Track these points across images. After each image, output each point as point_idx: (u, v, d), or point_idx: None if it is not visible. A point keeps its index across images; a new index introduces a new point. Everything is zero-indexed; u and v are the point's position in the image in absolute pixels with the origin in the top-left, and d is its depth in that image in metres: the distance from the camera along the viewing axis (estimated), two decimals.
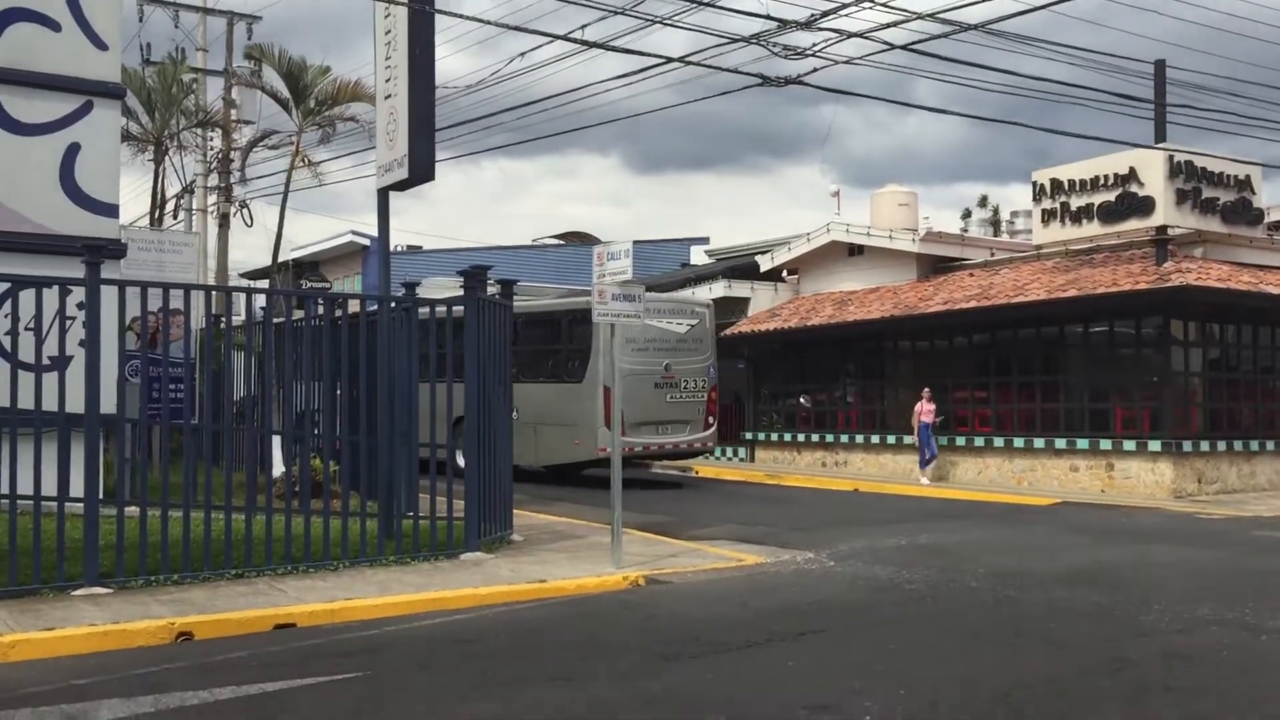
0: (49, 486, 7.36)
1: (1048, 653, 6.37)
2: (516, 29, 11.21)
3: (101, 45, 10.55)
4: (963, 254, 20.43)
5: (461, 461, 9.59)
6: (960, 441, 17.99)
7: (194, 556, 7.87)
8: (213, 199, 22.18)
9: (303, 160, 21.75)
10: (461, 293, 9.32)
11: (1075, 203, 16.92)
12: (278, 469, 9.69)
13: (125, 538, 7.59)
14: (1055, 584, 8.45)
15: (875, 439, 19.60)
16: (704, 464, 20.67)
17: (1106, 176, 16.45)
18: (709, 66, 11.59)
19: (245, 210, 22.28)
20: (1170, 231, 16.17)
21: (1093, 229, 16.83)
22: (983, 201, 43.62)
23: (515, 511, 10.45)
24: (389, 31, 9.91)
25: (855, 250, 21.30)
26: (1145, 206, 16.07)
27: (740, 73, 11.65)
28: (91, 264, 7.54)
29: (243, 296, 9.77)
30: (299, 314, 11.88)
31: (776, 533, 11.39)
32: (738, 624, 7.06)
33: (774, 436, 21.61)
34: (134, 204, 52.20)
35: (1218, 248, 16.96)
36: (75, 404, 7.51)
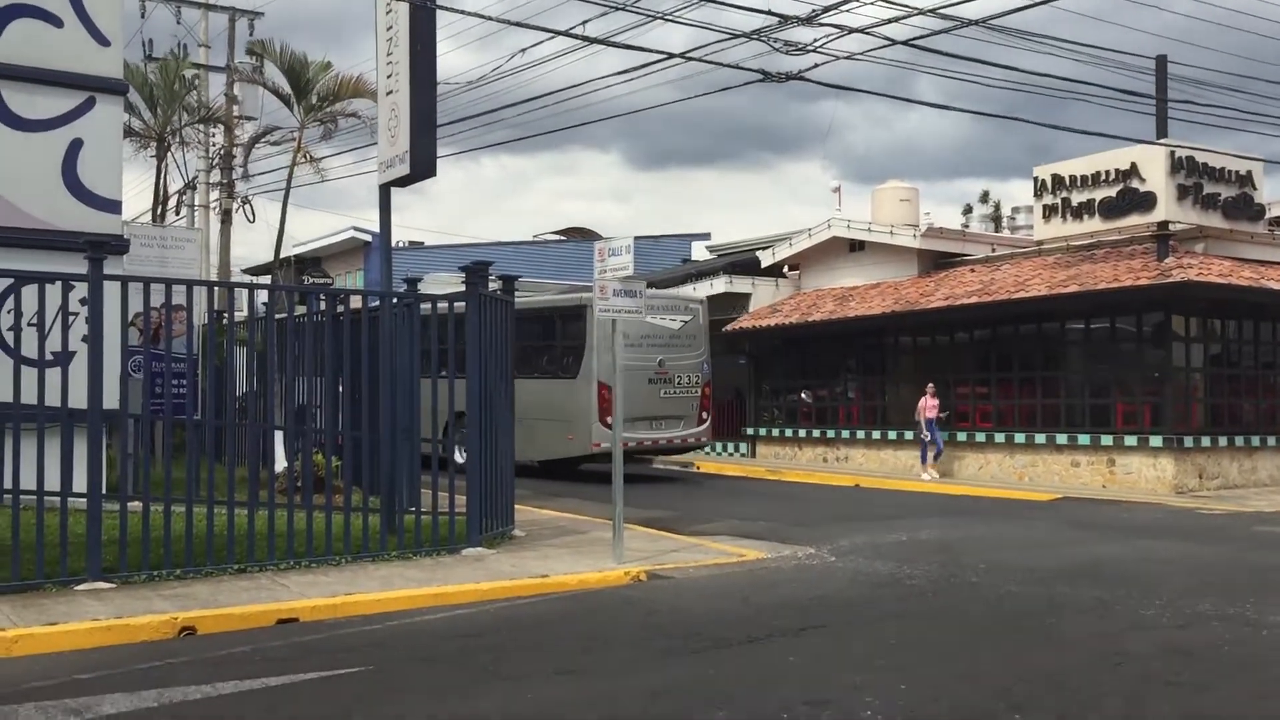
0: (52, 482, 7.36)
1: (1049, 648, 6.37)
2: (518, 25, 11.22)
3: (103, 41, 10.54)
4: (964, 250, 20.42)
5: (459, 457, 9.60)
6: (961, 437, 17.99)
7: (197, 552, 7.89)
8: (215, 195, 22.17)
9: (304, 156, 21.73)
10: (463, 289, 9.34)
11: (1077, 198, 16.89)
12: (280, 464, 9.70)
13: (128, 533, 7.59)
14: (1056, 579, 8.45)
15: (876, 434, 19.60)
16: (705, 459, 20.70)
17: (1108, 172, 16.43)
18: (710, 62, 11.58)
19: (247, 206, 22.26)
20: (1171, 227, 16.15)
21: (1094, 224, 16.80)
22: (984, 197, 43.64)
23: (517, 507, 10.44)
24: (390, 28, 9.91)
25: (856, 246, 21.28)
26: (1147, 202, 16.05)
27: (741, 68, 11.63)
28: (94, 260, 7.54)
29: (245, 292, 9.74)
30: (301, 310, 11.89)
31: (778, 528, 11.39)
32: (739, 619, 7.06)
33: (775, 432, 21.61)
34: (136, 200, 52.17)
35: (1219, 243, 16.95)
36: (78, 400, 7.52)
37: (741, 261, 23.13)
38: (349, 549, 8.59)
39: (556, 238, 34.54)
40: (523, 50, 38.62)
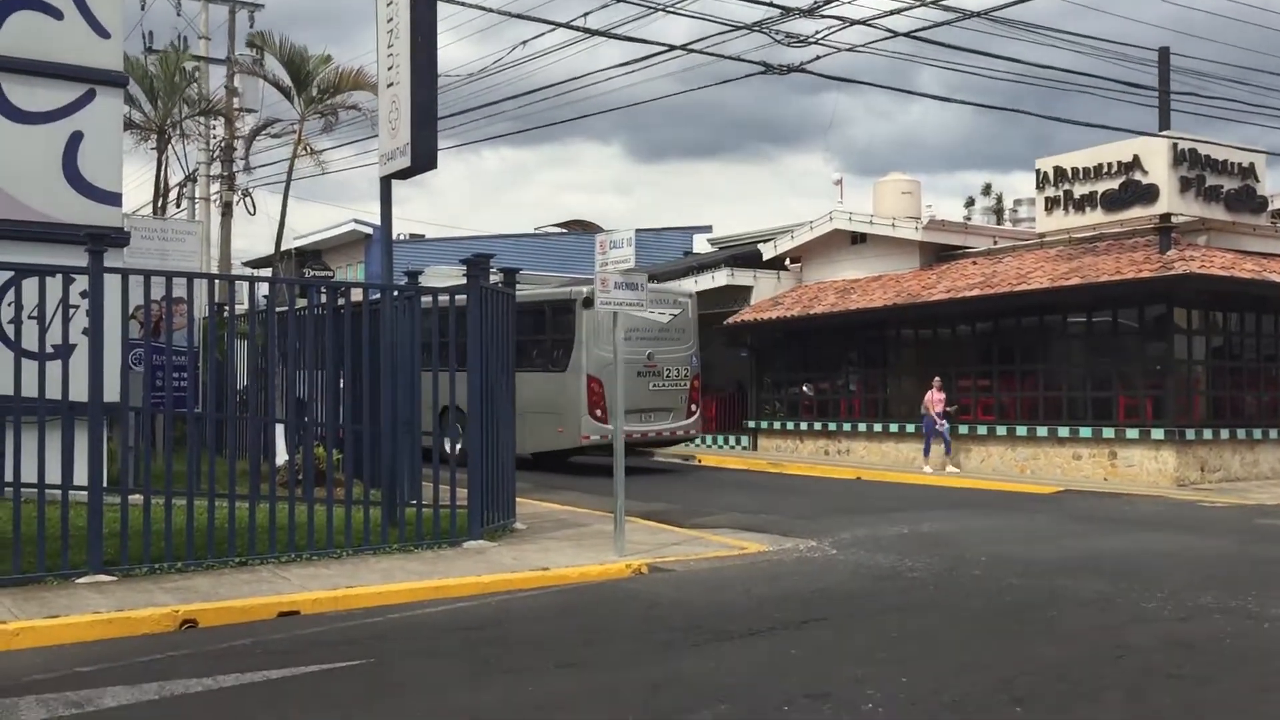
0: (53, 475, 7.36)
1: (1050, 640, 6.36)
2: (519, 17, 11.17)
3: (103, 33, 10.50)
4: (966, 242, 20.38)
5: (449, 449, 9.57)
6: (963, 430, 17.97)
7: (198, 544, 7.89)
8: (215, 188, 22.16)
9: (305, 149, 21.65)
10: (464, 281, 9.32)
11: (1079, 191, 16.86)
12: (281, 457, 9.69)
13: (129, 526, 7.59)
14: (1058, 572, 8.44)
15: (878, 427, 19.59)
16: (706, 452, 20.70)
17: (1110, 164, 16.39)
18: (711, 54, 11.55)
19: (248, 199, 22.24)
20: (1174, 219, 16.12)
21: (1096, 217, 16.76)
22: (986, 189, 43.44)
23: (518, 500, 10.45)
24: (391, 20, 9.87)
25: (858, 238, 21.24)
26: (1149, 194, 16.01)
27: (742, 60, 11.61)
28: (94, 252, 7.52)
29: (245, 285, 9.72)
30: (302, 302, 11.88)
31: (779, 521, 11.38)
32: (740, 612, 7.05)
33: (777, 425, 21.60)
34: (137, 193, 52.23)
35: (1221, 236, 16.90)
36: (79, 392, 7.50)
37: (743, 254, 23.11)
38: (350, 542, 8.59)
39: (558, 230, 34.46)
40: (524, 42, 38.53)
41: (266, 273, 25.29)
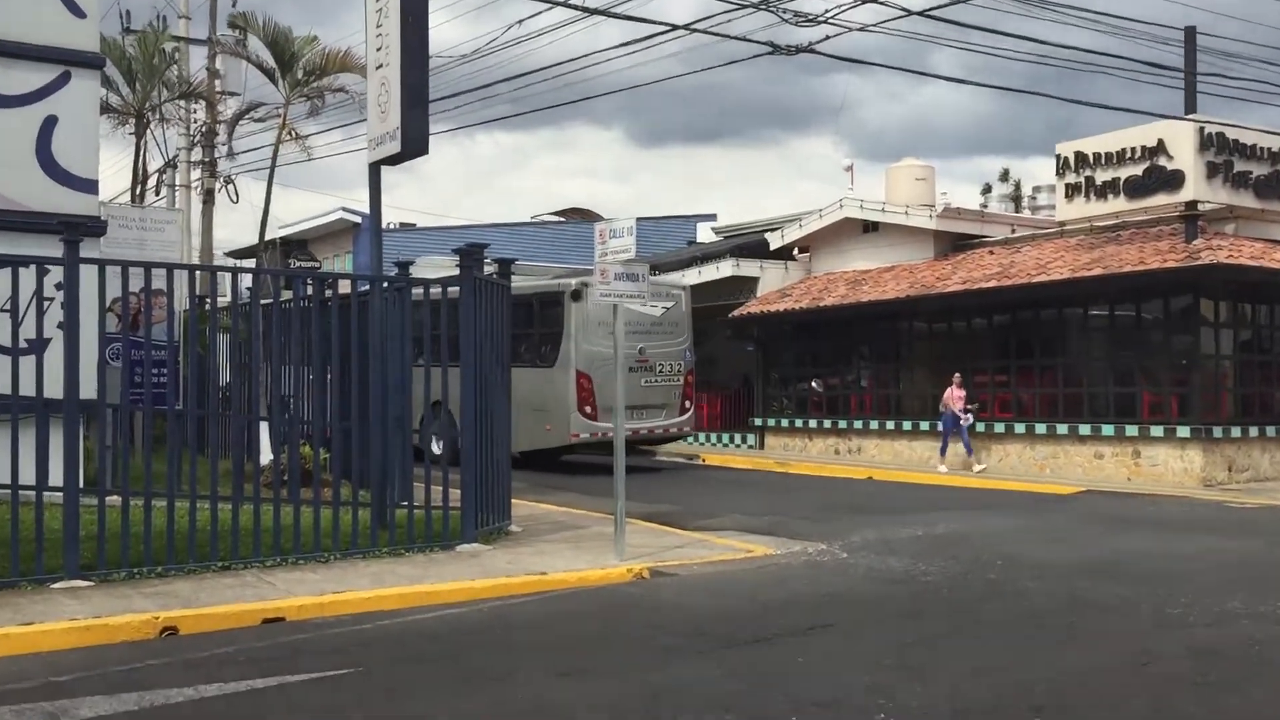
0: (27, 475, 7.25)
1: (1069, 647, 6.23)
2: None
3: (79, 13, 10.29)
4: (982, 231, 20.07)
5: (436, 448, 9.33)
6: (980, 427, 17.60)
7: (179, 548, 7.73)
8: (196, 174, 21.78)
9: (290, 133, 21.24)
10: (457, 272, 9.10)
11: (1101, 177, 16.53)
12: (266, 456, 9.47)
13: (107, 528, 7.44)
14: (1078, 575, 8.27)
15: (891, 425, 19.26)
16: (711, 451, 20.52)
17: (1134, 149, 16.06)
18: (716, 34, 11.26)
19: (230, 186, 21.86)
20: (1200, 207, 15.79)
21: (1119, 204, 16.43)
22: (1004, 176, 42.91)
23: (514, 501, 10.29)
24: None
25: (869, 227, 20.92)
26: (1174, 181, 15.67)
27: (749, 40, 11.31)
28: (70, 242, 7.36)
29: (228, 276, 9.50)
30: (287, 294, 11.64)
31: (787, 523, 11.21)
32: (746, 617, 6.95)
33: (784, 422, 21.29)
34: (114, 180, 52.41)
35: (1250, 224, 16.56)
36: (54, 389, 7.33)
37: (749, 244, 22.75)
38: (338, 545, 8.42)
39: (555, 219, 34.04)
40: (520, 21, 38.33)
41: (250, 263, 24.96)
